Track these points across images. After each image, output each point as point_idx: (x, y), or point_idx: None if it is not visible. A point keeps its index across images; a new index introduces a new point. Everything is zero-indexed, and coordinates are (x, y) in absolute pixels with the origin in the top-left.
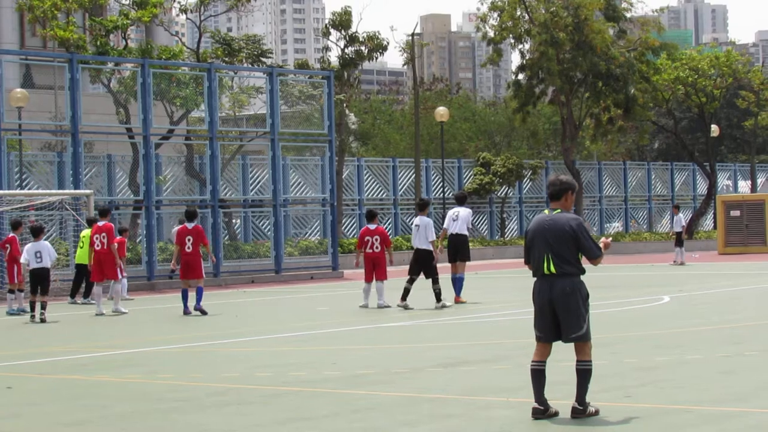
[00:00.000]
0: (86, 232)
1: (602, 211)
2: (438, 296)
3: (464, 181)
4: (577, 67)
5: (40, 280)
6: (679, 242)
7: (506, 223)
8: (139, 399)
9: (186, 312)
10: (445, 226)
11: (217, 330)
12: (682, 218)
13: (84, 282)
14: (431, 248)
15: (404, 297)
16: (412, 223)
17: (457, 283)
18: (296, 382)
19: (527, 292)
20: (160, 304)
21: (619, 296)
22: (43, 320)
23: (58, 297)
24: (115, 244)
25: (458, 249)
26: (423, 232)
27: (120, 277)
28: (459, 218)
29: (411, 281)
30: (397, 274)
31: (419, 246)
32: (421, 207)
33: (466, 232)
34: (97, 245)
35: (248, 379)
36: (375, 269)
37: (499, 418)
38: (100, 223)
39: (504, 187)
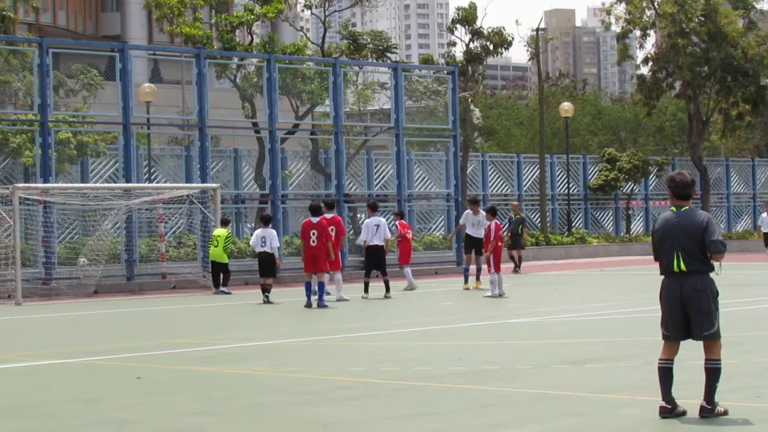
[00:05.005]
0: (219, 231)
1: (729, 208)
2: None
3: (589, 177)
4: (708, 61)
5: (265, 264)
6: None
7: (632, 219)
8: (266, 391)
9: (309, 305)
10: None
11: (342, 324)
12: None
13: (222, 276)
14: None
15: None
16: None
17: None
18: (422, 377)
19: (653, 289)
20: (286, 297)
21: (750, 294)
22: (268, 302)
23: (199, 288)
24: (344, 237)
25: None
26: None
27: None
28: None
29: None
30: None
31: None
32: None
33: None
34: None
35: (374, 373)
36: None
37: (626, 417)
38: (329, 216)
39: (629, 183)
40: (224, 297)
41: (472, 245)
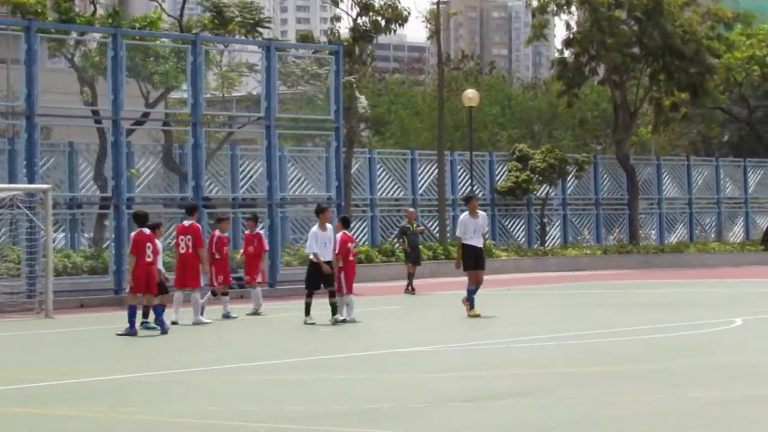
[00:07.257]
0: None
1: (662, 215)
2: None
3: (497, 177)
4: (644, 40)
5: None
6: None
7: (547, 229)
8: None
9: (132, 332)
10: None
11: (198, 355)
12: None
13: None
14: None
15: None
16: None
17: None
18: (293, 419)
19: (566, 310)
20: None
21: (686, 317)
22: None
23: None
24: (204, 248)
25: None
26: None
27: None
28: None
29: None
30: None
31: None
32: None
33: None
34: (182, 248)
35: (234, 415)
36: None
37: None
38: (186, 223)
39: (544, 186)
40: (57, 322)
41: (476, 258)
